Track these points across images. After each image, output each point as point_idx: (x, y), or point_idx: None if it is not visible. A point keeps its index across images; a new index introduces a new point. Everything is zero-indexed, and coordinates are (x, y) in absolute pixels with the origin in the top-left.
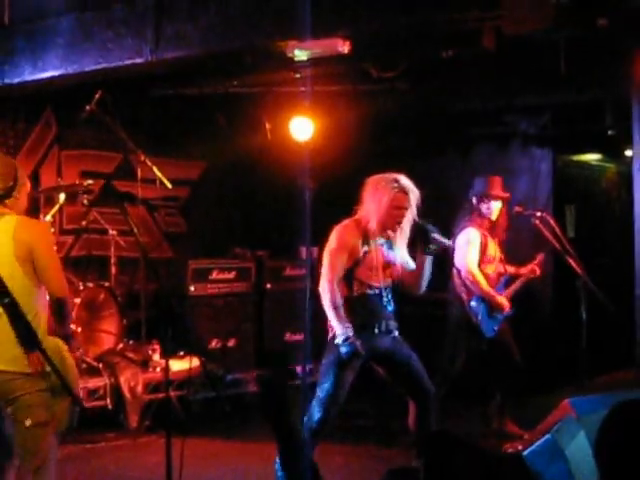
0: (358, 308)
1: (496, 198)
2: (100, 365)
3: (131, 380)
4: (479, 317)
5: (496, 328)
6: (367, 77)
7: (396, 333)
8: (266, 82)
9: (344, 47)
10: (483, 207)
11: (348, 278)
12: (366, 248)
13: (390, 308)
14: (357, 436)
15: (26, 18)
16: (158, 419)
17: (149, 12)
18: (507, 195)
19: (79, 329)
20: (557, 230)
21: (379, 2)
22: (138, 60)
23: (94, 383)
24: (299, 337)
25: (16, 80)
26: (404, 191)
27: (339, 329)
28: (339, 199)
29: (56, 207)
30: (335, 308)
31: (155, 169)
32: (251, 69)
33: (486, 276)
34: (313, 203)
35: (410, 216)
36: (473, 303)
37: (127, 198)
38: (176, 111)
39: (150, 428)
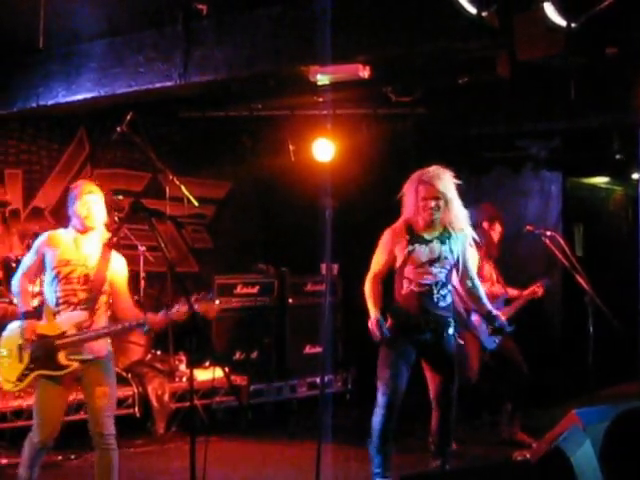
0: (404, 306)
1: (501, 220)
2: (129, 375)
3: (158, 389)
4: (479, 330)
5: (497, 341)
6: (386, 101)
7: (449, 330)
8: (289, 105)
9: (364, 72)
10: (496, 230)
11: (399, 277)
12: (411, 247)
13: (443, 304)
14: None
15: (60, 42)
16: (184, 426)
17: (178, 37)
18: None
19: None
20: (566, 248)
21: (398, 29)
22: (167, 83)
23: (123, 392)
24: (318, 349)
25: (50, 102)
26: (427, 182)
27: (371, 315)
28: (358, 217)
29: None
30: (368, 298)
31: (183, 188)
32: (275, 93)
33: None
34: (334, 221)
35: (442, 203)
36: (473, 317)
37: (156, 215)
38: (203, 132)
39: (176, 435)
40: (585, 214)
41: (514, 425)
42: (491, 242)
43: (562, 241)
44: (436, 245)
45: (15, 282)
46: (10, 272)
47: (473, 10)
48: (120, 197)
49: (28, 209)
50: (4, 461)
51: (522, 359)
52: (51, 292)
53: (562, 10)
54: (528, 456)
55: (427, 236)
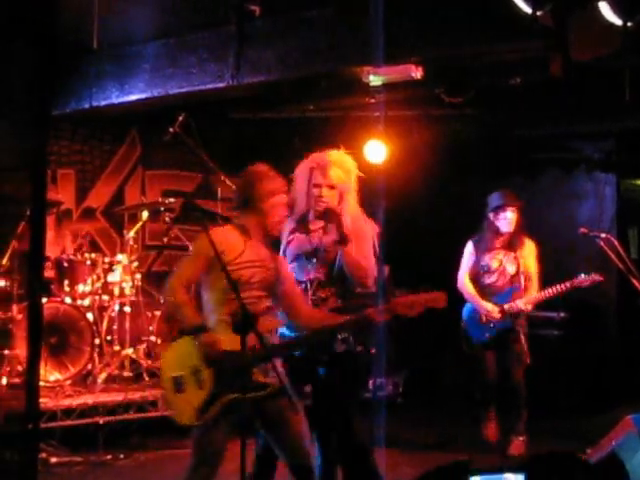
0: None
1: (510, 205)
2: None
3: None
4: (464, 321)
5: (488, 335)
6: (438, 102)
7: None
8: (341, 106)
9: (417, 73)
10: (501, 219)
11: None
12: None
13: None
14: (425, 447)
15: (114, 43)
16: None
17: (231, 39)
18: (520, 203)
19: (159, 341)
20: (621, 251)
21: (451, 30)
22: (219, 84)
23: None
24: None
25: (103, 103)
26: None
27: None
28: (409, 218)
29: (139, 224)
30: None
31: (234, 188)
32: (327, 94)
33: (487, 286)
34: (385, 223)
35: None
36: (464, 309)
37: (208, 215)
38: (255, 133)
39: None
40: None
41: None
42: (496, 233)
43: (617, 243)
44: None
45: None
46: (62, 272)
47: (528, 9)
48: (171, 199)
49: (80, 209)
50: (53, 460)
51: (516, 367)
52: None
53: (618, 9)
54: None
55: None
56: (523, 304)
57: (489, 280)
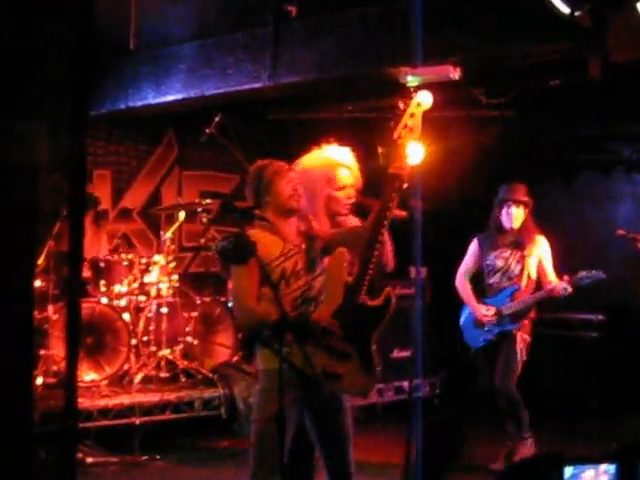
0: None
1: (515, 201)
2: (215, 377)
3: (244, 391)
4: (461, 325)
5: (483, 339)
6: (476, 103)
7: None
8: (379, 107)
9: (455, 73)
10: (503, 214)
11: None
12: None
13: None
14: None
15: (150, 44)
16: None
17: (267, 39)
18: (527, 200)
19: (196, 342)
20: None
21: (490, 30)
22: (256, 85)
23: (209, 393)
24: (406, 354)
25: (139, 103)
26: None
27: None
28: (447, 220)
29: (176, 225)
30: None
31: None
32: (364, 95)
33: (488, 286)
34: (422, 224)
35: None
36: (461, 311)
37: (247, 216)
38: (292, 135)
39: None
40: None
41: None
42: (499, 229)
43: None
44: None
45: None
46: (99, 272)
47: (566, 10)
48: (208, 200)
49: (116, 210)
50: (89, 460)
51: (504, 368)
52: None
53: None
54: None
55: None
56: (518, 303)
57: (492, 279)
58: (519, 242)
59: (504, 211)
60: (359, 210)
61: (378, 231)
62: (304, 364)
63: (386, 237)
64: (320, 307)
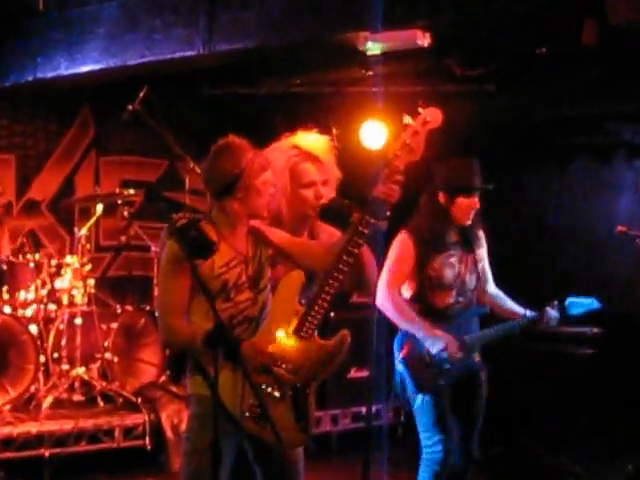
0: None
1: (479, 190)
2: (139, 400)
3: (174, 417)
4: (400, 361)
5: (442, 382)
6: (450, 76)
7: None
8: (333, 81)
9: (424, 39)
10: (458, 206)
11: None
12: None
13: None
14: None
15: (63, 4)
16: None
17: None
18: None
19: (116, 359)
20: None
21: None
22: (189, 53)
23: (132, 420)
24: (365, 373)
25: (50, 74)
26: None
27: None
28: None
29: (92, 220)
30: None
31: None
32: (315, 65)
33: (432, 305)
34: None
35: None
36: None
37: (174, 206)
38: (230, 112)
39: None
40: None
41: None
42: (444, 224)
43: None
44: None
45: None
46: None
47: None
48: (131, 190)
49: (21, 202)
50: None
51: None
52: None
53: None
54: None
55: None
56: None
57: (439, 296)
58: (466, 241)
59: (459, 201)
60: (334, 214)
61: (349, 252)
62: (231, 395)
63: (368, 255)
64: (261, 330)
